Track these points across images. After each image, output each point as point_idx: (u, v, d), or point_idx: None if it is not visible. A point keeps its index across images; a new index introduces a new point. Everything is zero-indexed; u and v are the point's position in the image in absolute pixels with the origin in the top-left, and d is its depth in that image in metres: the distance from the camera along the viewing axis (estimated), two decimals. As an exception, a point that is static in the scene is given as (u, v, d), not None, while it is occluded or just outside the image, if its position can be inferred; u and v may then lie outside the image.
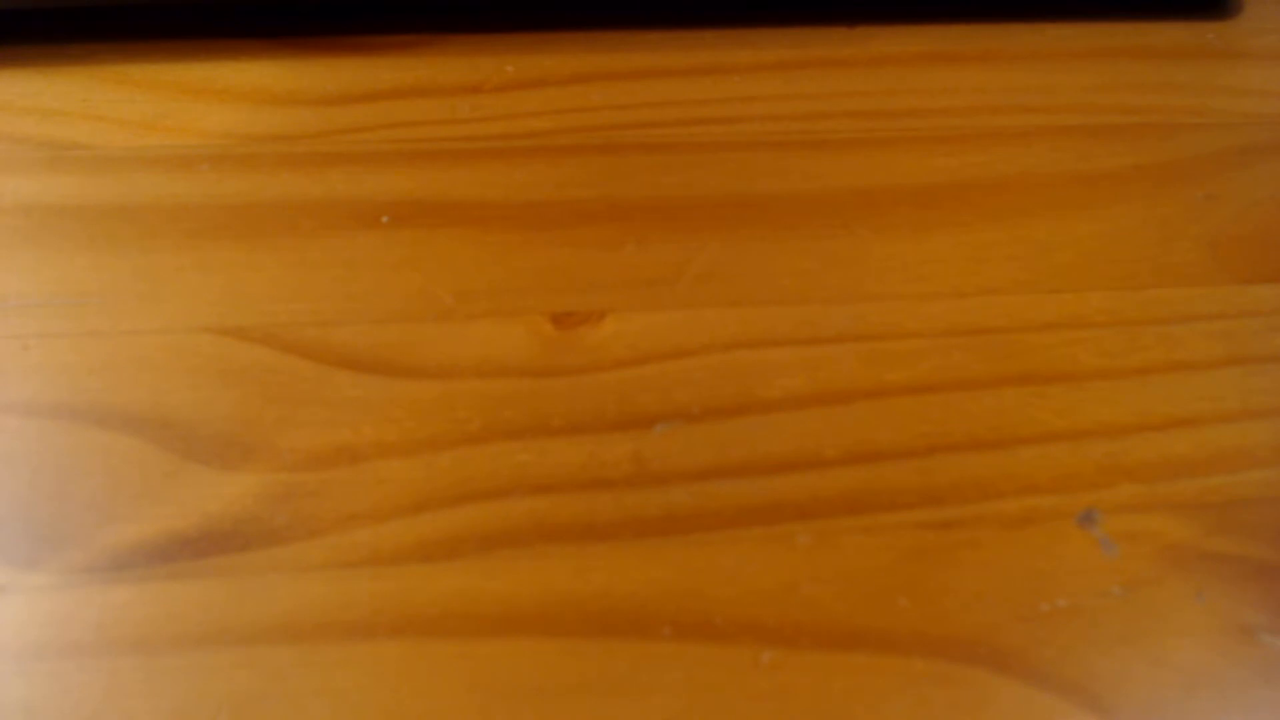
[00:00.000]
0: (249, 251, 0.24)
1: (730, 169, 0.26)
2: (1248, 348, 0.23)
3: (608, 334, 0.23)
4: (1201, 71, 0.30)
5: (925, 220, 0.25)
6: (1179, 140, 0.27)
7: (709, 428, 0.21)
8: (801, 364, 0.22)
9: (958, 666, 0.18)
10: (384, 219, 0.25)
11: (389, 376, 0.22)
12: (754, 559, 0.19)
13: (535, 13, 0.30)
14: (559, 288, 0.23)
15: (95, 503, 0.20)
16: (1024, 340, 0.23)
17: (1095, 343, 0.23)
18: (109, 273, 0.23)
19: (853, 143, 0.27)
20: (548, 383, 0.22)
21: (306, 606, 0.18)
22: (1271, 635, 0.18)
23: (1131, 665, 0.18)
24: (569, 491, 0.20)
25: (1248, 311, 0.23)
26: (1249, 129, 0.28)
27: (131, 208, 0.25)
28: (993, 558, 0.19)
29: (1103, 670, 0.18)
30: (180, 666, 0.18)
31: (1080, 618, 0.19)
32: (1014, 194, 0.26)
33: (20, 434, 0.21)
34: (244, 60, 0.29)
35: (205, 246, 0.24)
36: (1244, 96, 0.29)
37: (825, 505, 0.20)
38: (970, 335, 0.23)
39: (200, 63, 0.29)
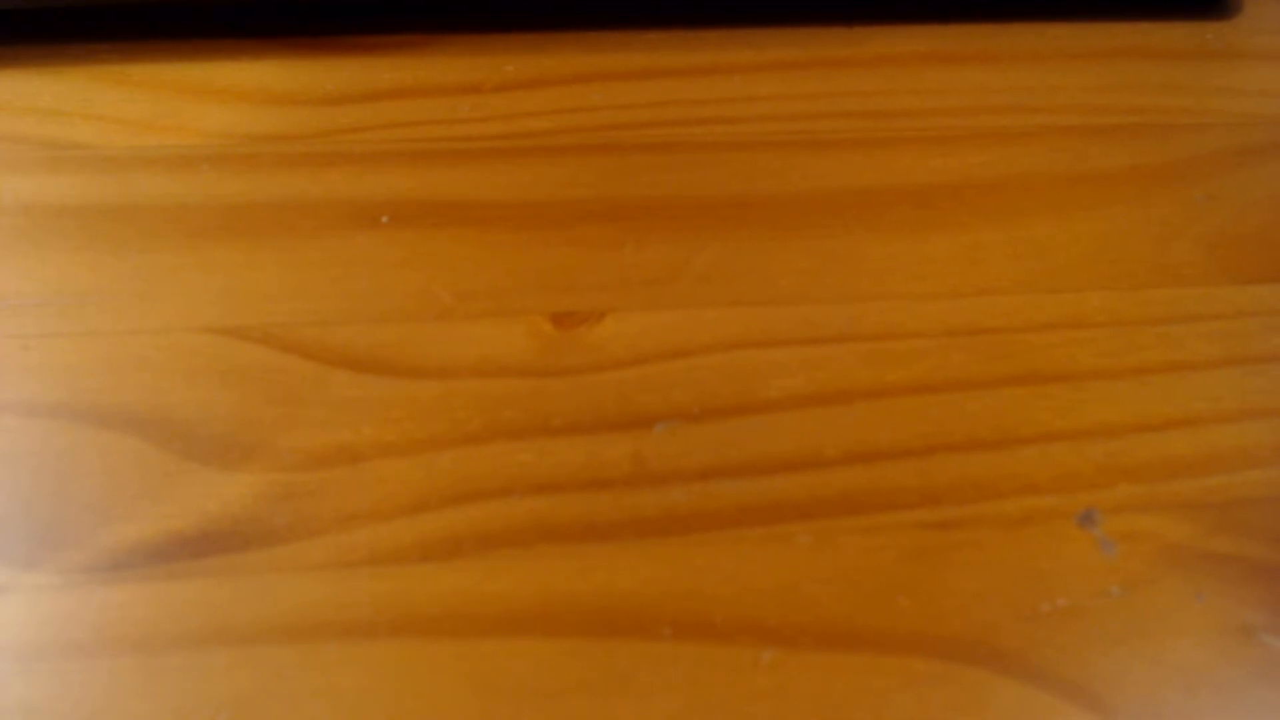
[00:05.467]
0: (248, 251, 0.24)
1: (730, 169, 0.26)
2: (1246, 348, 0.23)
3: (608, 334, 0.23)
4: (1200, 72, 0.30)
5: (924, 220, 0.25)
6: (1177, 140, 0.27)
7: (709, 428, 0.21)
8: (801, 364, 0.22)
9: (958, 666, 0.18)
10: (384, 219, 0.25)
11: (389, 376, 0.22)
12: (754, 559, 0.19)
13: (535, 13, 0.30)
14: (559, 288, 0.23)
15: (95, 503, 0.20)
16: (1023, 340, 0.23)
17: (1094, 343, 0.23)
18: (109, 273, 0.23)
19: (852, 143, 0.27)
20: (548, 383, 0.22)
21: (306, 606, 0.18)
22: (1271, 635, 0.18)
23: (1131, 665, 0.18)
24: (569, 491, 0.20)
25: (1246, 311, 0.23)
26: (1247, 129, 0.28)
27: (131, 208, 0.25)
28: (993, 558, 0.19)
29: (1103, 670, 0.18)
30: (180, 666, 0.18)
31: (1080, 618, 0.19)
32: (1013, 194, 0.26)
33: (20, 434, 0.21)
34: (244, 60, 0.29)
35: (205, 246, 0.24)
36: (1242, 97, 0.29)
37: (825, 505, 0.20)
38: (969, 335, 0.23)
39: (200, 63, 0.29)
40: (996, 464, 0.21)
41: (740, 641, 0.18)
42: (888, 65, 0.29)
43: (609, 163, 0.26)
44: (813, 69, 0.29)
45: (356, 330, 0.22)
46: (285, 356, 0.22)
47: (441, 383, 0.22)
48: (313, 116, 0.27)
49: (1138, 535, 0.20)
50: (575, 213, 0.25)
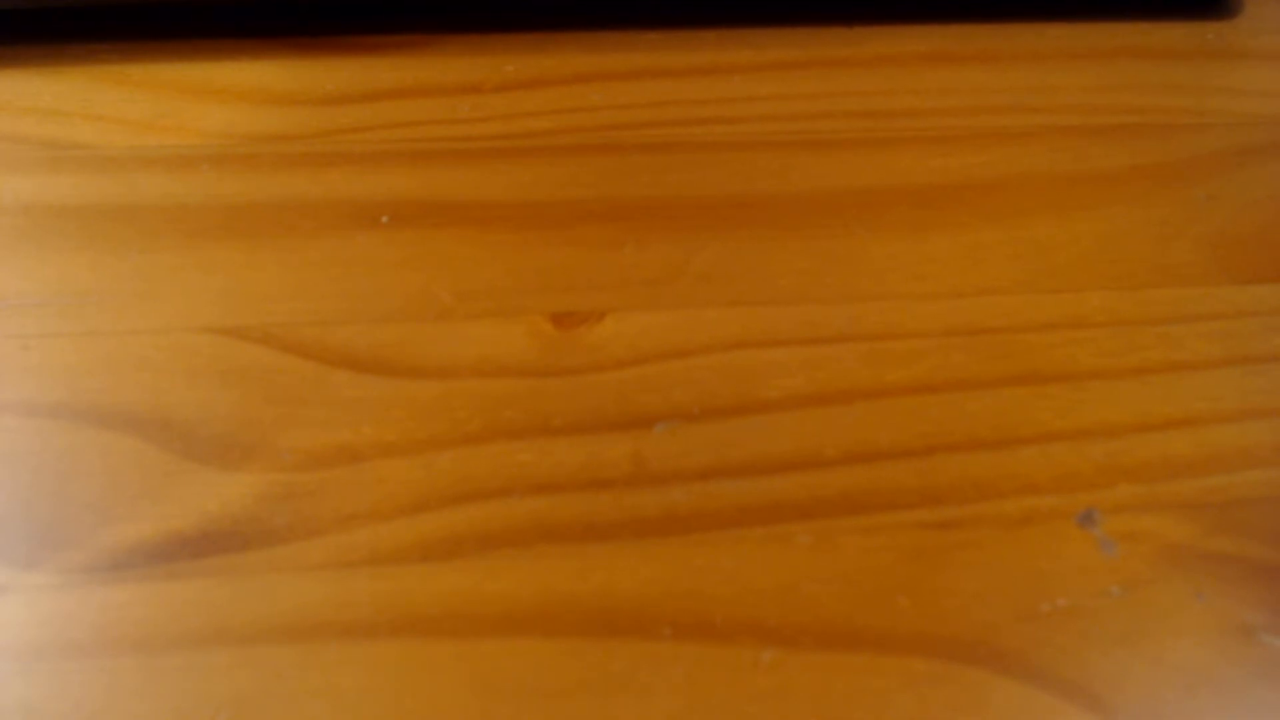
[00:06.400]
0: (249, 251, 0.24)
1: (730, 169, 0.26)
2: (1247, 348, 0.23)
3: (608, 334, 0.23)
4: (1201, 71, 0.30)
5: (924, 220, 0.25)
6: (1178, 140, 0.27)
7: (709, 428, 0.21)
8: (801, 364, 0.22)
9: (958, 666, 0.18)
10: (384, 219, 0.25)
11: (389, 376, 0.22)
12: (754, 559, 0.19)
13: (535, 13, 0.30)
14: (559, 288, 0.23)
15: (95, 503, 0.20)
16: (1023, 340, 0.23)
17: (1094, 343, 0.23)
18: (109, 273, 0.23)
19: (852, 143, 0.27)
20: (548, 383, 0.22)
21: (306, 606, 0.18)
22: (1271, 635, 0.18)
23: (1131, 665, 0.18)
24: (569, 491, 0.20)
25: (1246, 311, 0.23)
26: (1248, 129, 0.28)
27: (131, 208, 0.25)
28: (993, 558, 0.19)
29: (1103, 670, 0.18)
30: (180, 666, 0.18)
31: (1080, 618, 0.19)
32: (1012, 194, 0.26)
33: (20, 434, 0.21)
34: (244, 60, 0.29)
35: (205, 246, 0.24)
36: (1243, 96, 0.29)
37: (825, 505, 0.20)
38: (969, 335, 0.23)
39: (200, 63, 0.29)
40: (996, 464, 0.21)
41: (740, 641, 0.18)
42: (888, 65, 0.29)
43: (609, 163, 0.26)
44: (813, 69, 0.29)
45: (356, 330, 0.22)
46: (285, 356, 0.22)
47: (441, 383, 0.22)
48: (313, 116, 0.27)
49: (1138, 535, 0.20)
50: (575, 213, 0.25)
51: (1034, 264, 0.24)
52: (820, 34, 0.30)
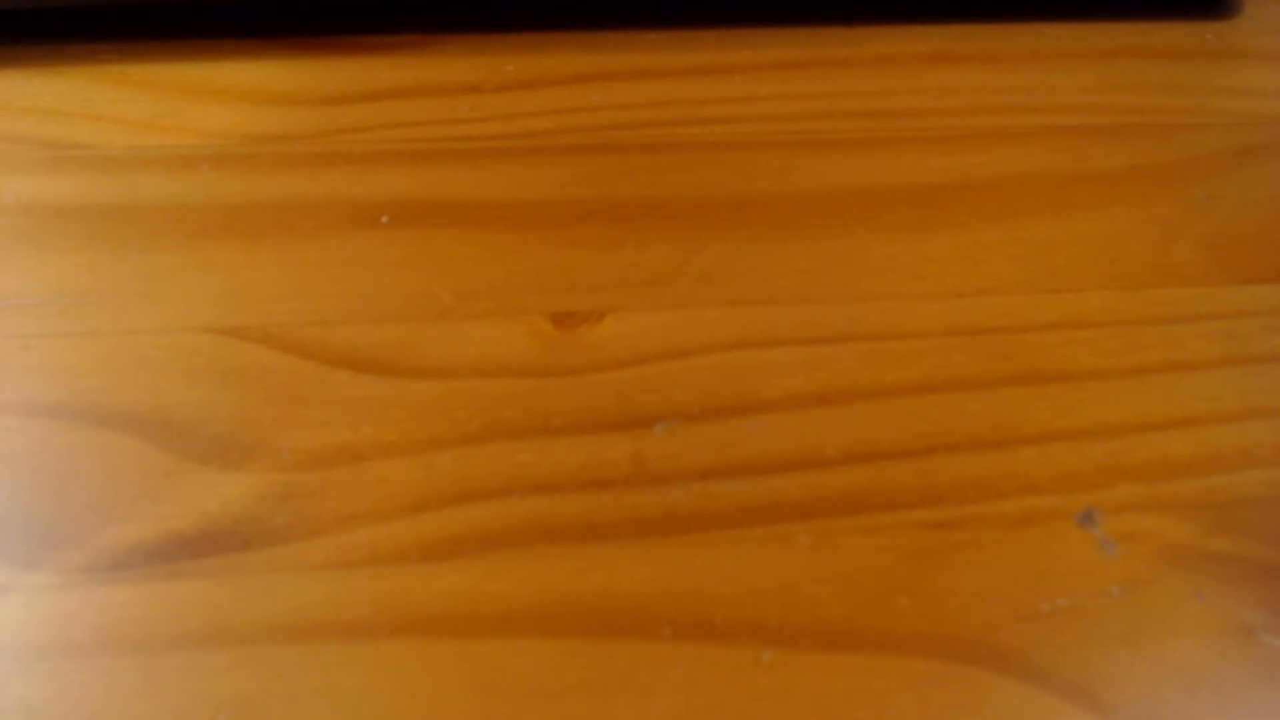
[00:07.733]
0: (249, 251, 0.24)
1: (730, 169, 0.26)
2: (1247, 348, 0.23)
3: (608, 334, 0.23)
4: (1200, 71, 0.30)
5: (924, 220, 0.25)
6: (1178, 140, 0.27)
7: (709, 428, 0.21)
8: (801, 364, 0.22)
9: (958, 666, 0.18)
10: (384, 219, 0.25)
11: (389, 376, 0.22)
12: (754, 559, 0.19)
13: (535, 13, 0.30)
14: (559, 288, 0.23)
15: (95, 503, 0.20)
16: (1023, 340, 0.23)
17: (1095, 343, 0.23)
18: (109, 273, 0.23)
19: (852, 143, 0.27)
20: (548, 383, 0.22)
21: (306, 606, 0.18)
22: (1271, 635, 0.18)
23: (1131, 665, 0.18)
24: (569, 491, 0.20)
25: (1246, 311, 0.23)
26: (1248, 129, 0.28)
27: (131, 208, 0.25)
28: (993, 558, 0.19)
29: (1103, 670, 0.18)
30: (180, 666, 0.18)
31: (1080, 618, 0.19)
32: (1012, 194, 0.26)
33: (20, 434, 0.21)
34: (244, 60, 0.29)
35: (205, 246, 0.24)
36: (1243, 96, 0.29)
37: (825, 505, 0.20)
38: (969, 335, 0.23)
39: (200, 63, 0.29)
40: (996, 464, 0.21)
41: (740, 641, 0.18)
42: (888, 65, 0.29)
43: (609, 163, 0.26)
44: (813, 69, 0.29)
45: (356, 330, 0.22)
46: (285, 356, 0.22)
47: (441, 383, 0.22)
48: (313, 116, 0.27)
49: (1138, 535, 0.20)
50: (575, 213, 0.25)
51: (1034, 264, 0.24)
52: (820, 34, 0.30)
